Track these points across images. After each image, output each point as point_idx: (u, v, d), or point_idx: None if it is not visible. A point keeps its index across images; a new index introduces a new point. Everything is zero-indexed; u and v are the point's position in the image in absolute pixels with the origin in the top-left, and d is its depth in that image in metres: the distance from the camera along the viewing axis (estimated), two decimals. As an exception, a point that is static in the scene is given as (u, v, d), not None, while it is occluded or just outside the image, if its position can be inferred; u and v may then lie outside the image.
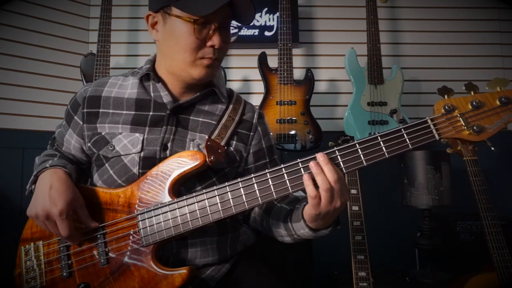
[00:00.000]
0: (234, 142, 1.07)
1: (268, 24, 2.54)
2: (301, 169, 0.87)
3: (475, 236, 2.12)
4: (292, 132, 2.16)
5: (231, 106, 1.10)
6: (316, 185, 0.84)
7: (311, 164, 0.84)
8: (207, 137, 0.99)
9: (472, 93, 0.85)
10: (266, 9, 2.55)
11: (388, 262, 2.07)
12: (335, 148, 0.87)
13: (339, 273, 2.00)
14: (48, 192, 0.92)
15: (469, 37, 2.66)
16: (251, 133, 1.10)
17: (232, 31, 1.02)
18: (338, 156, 0.86)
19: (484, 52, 2.64)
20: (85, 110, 1.04)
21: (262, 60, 2.29)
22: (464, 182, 1.69)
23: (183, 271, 0.90)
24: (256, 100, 2.42)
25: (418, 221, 2.06)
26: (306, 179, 0.84)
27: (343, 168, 0.86)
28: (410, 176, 2.00)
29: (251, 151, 1.11)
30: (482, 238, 1.59)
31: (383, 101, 2.24)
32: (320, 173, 0.83)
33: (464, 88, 0.87)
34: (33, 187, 1.00)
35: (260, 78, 2.29)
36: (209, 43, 0.96)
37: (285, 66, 2.23)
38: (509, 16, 2.67)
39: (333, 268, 2.07)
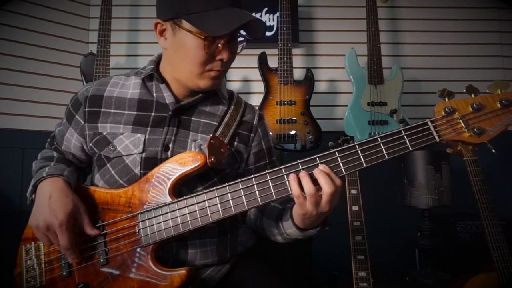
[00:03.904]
0: (236, 142, 1.08)
1: (268, 24, 2.54)
2: (301, 170, 0.87)
3: (475, 236, 2.12)
4: (292, 132, 2.16)
5: (232, 107, 1.10)
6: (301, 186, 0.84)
7: (302, 173, 0.85)
8: (211, 135, 0.99)
9: (472, 95, 0.85)
10: (266, 9, 2.55)
11: (388, 262, 2.07)
12: (335, 150, 0.87)
13: (339, 273, 2.00)
14: (47, 203, 0.93)
15: (469, 37, 2.65)
16: (252, 134, 1.11)
17: (239, 39, 1.01)
18: (338, 158, 0.86)
19: (484, 52, 2.64)
20: (86, 109, 1.04)
21: (262, 60, 2.28)
22: (464, 182, 1.69)
23: (182, 271, 0.90)
24: (256, 100, 2.42)
25: (418, 221, 2.06)
26: (291, 178, 0.85)
27: (343, 170, 0.86)
28: (410, 176, 2.00)
29: (251, 152, 1.11)
30: (482, 238, 1.59)
31: (383, 101, 2.23)
32: (305, 176, 0.84)
33: (464, 90, 0.87)
34: (33, 196, 1.00)
35: (260, 78, 2.28)
36: (218, 57, 0.97)
37: (285, 66, 2.23)
38: (509, 16, 2.67)
39: (333, 268, 2.07)
